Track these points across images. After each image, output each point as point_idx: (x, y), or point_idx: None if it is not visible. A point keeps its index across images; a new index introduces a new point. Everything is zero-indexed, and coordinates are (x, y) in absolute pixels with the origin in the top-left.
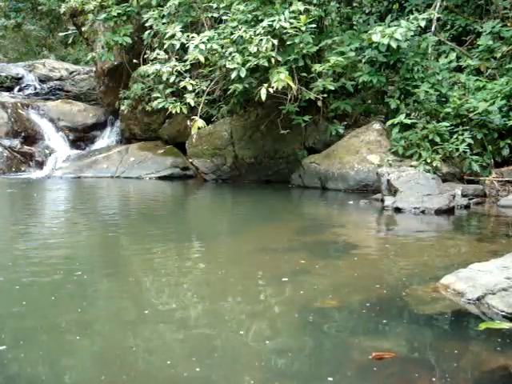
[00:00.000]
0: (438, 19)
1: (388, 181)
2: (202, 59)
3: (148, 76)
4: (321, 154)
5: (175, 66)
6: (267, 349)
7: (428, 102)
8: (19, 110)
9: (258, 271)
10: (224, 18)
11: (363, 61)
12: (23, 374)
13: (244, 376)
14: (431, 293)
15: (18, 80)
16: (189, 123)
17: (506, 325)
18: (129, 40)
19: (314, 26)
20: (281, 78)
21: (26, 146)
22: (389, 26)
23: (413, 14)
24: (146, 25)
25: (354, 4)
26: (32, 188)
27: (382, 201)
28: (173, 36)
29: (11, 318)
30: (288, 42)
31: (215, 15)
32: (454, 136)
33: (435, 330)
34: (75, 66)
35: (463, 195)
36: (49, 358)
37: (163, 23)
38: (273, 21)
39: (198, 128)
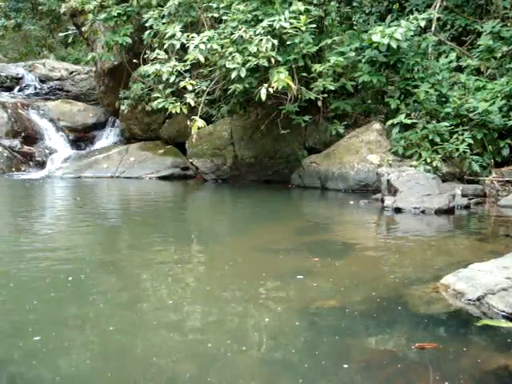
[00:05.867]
0: (438, 19)
1: (388, 181)
2: (202, 59)
3: (148, 76)
4: (321, 154)
5: (175, 65)
6: (267, 347)
7: (428, 101)
8: (19, 110)
9: (258, 271)
10: (224, 17)
11: (363, 61)
12: (22, 372)
13: (249, 373)
14: (431, 293)
15: (18, 80)
16: (189, 123)
17: (504, 323)
18: (129, 40)
19: (314, 26)
20: (281, 78)
21: (26, 146)
22: (389, 26)
23: (413, 13)
24: (146, 25)
25: (354, 4)
26: (32, 188)
27: (382, 201)
28: (173, 36)
29: (13, 315)
30: (288, 42)
31: (215, 15)
32: (454, 136)
33: (435, 329)
34: (75, 66)
35: (463, 195)
36: (48, 358)
37: (163, 23)
38: (273, 21)
39: (198, 128)
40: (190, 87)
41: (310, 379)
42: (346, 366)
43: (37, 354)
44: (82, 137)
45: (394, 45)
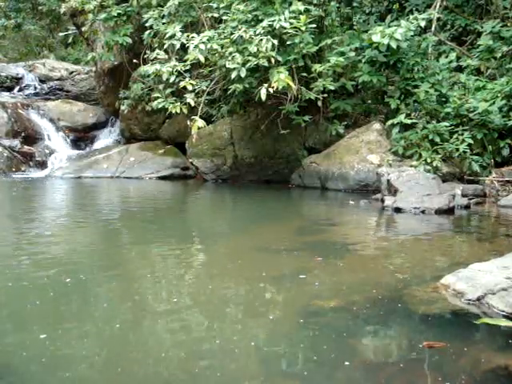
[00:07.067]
0: (438, 19)
1: (388, 181)
2: (202, 59)
3: (148, 76)
4: (321, 154)
5: (175, 65)
6: (270, 344)
7: (428, 101)
8: (19, 110)
9: (260, 270)
10: (224, 17)
11: (363, 61)
12: (30, 371)
13: (252, 371)
14: (431, 293)
15: (18, 80)
16: (189, 123)
17: (503, 322)
18: (129, 40)
19: (314, 25)
20: (281, 78)
21: (26, 146)
22: (389, 26)
23: (413, 13)
24: (146, 25)
25: (354, 4)
26: (32, 188)
27: (382, 201)
28: (173, 36)
29: (12, 316)
30: (288, 42)
31: (215, 15)
32: (454, 136)
33: (435, 330)
34: (75, 66)
35: (463, 195)
36: (47, 360)
37: (163, 23)
38: (273, 21)
39: (198, 128)
40: (190, 87)
41: (311, 378)
42: (347, 363)
43: (44, 352)
44: (82, 137)
45: (393, 45)
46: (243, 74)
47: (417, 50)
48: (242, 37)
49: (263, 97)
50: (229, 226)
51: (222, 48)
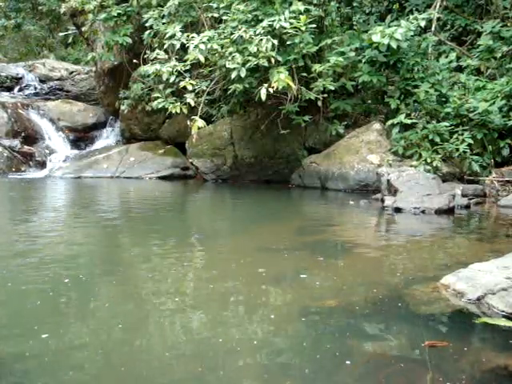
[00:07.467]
0: (438, 19)
1: (388, 181)
2: (202, 59)
3: (148, 76)
4: (321, 154)
5: (175, 65)
6: (272, 343)
7: (428, 101)
8: (19, 110)
9: (261, 270)
10: (224, 17)
11: (363, 61)
12: (34, 370)
13: (251, 370)
14: (431, 293)
15: (17, 80)
16: (189, 123)
17: (503, 321)
18: (129, 40)
19: (314, 25)
20: (281, 78)
21: (26, 146)
22: (389, 26)
23: (413, 13)
24: (146, 25)
25: (354, 4)
26: (32, 188)
27: (382, 201)
28: (173, 36)
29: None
30: (288, 42)
31: (215, 15)
32: (454, 136)
33: (435, 330)
34: (75, 66)
35: (463, 195)
36: (48, 360)
37: (163, 23)
38: (273, 21)
39: (198, 128)
40: (190, 87)
41: (312, 376)
42: (348, 362)
43: (46, 352)
44: (82, 137)
45: (393, 45)
46: (243, 74)
47: (417, 49)
48: (242, 37)
49: (263, 97)
50: (229, 226)
51: (222, 48)
